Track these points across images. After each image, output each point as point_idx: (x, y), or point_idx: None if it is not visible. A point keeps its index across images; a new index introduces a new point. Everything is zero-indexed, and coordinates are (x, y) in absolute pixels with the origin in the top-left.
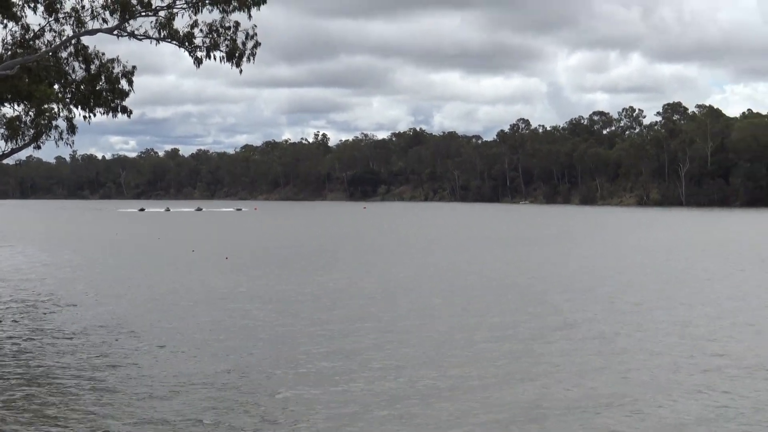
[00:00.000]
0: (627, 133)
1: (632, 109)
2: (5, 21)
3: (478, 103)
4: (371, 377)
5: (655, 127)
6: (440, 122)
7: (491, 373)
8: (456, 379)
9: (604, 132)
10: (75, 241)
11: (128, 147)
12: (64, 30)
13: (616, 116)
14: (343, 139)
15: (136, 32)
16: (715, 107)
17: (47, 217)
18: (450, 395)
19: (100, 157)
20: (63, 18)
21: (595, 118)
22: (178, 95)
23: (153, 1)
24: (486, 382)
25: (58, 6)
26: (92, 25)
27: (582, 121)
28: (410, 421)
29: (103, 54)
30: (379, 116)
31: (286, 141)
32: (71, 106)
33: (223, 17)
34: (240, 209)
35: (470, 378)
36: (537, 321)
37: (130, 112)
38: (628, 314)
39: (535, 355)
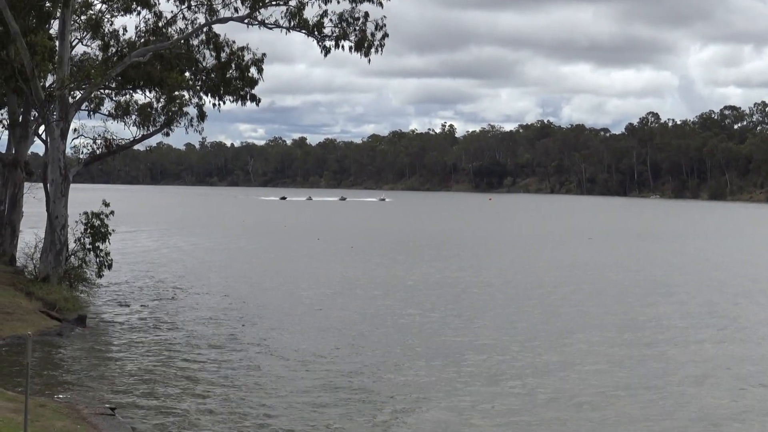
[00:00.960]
0: (759, 128)
1: (764, 104)
2: (139, 8)
3: (608, 96)
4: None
5: None
6: (569, 115)
7: None
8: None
9: (735, 127)
10: (235, 228)
11: (256, 135)
12: (196, 18)
13: (747, 111)
14: (470, 131)
15: (266, 21)
16: None
17: (188, 203)
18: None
19: (228, 144)
20: (195, 6)
21: (726, 112)
22: (307, 84)
23: None
24: None
25: None
26: (224, 13)
27: (713, 116)
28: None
29: (234, 42)
30: (507, 108)
31: (413, 131)
32: (201, 94)
33: (353, 7)
34: (383, 199)
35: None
36: None
37: (259, 100)
38: None
39: None
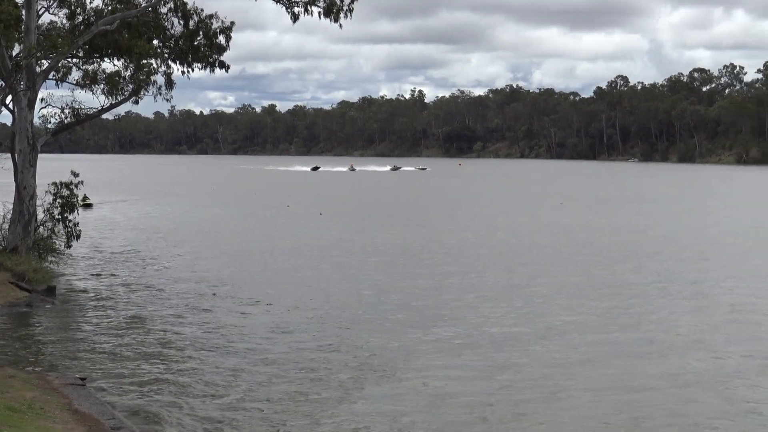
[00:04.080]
0: (727, 90)
1: (733, 66)
2: None
3: (578, 60)
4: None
5: (756, 85)
6: (539, 79)
7: None
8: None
9: (704, 89)
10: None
11: (226, 103)
12: None
13: (716, 74)
14: (440, 96)
15: None
16: None
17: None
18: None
19: (198, 112)
20: None
21: (695, 75)
22: (278, 51)
23: None
24: None
25: None
26: None
27: (681, 78)
28: None
29: (202, 10)
30: (477, 73)
31: (383, 97)
32: (170, 62)
33: None
34: (424, 168)
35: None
36: None
37: (228, 67)
38: None
39: None
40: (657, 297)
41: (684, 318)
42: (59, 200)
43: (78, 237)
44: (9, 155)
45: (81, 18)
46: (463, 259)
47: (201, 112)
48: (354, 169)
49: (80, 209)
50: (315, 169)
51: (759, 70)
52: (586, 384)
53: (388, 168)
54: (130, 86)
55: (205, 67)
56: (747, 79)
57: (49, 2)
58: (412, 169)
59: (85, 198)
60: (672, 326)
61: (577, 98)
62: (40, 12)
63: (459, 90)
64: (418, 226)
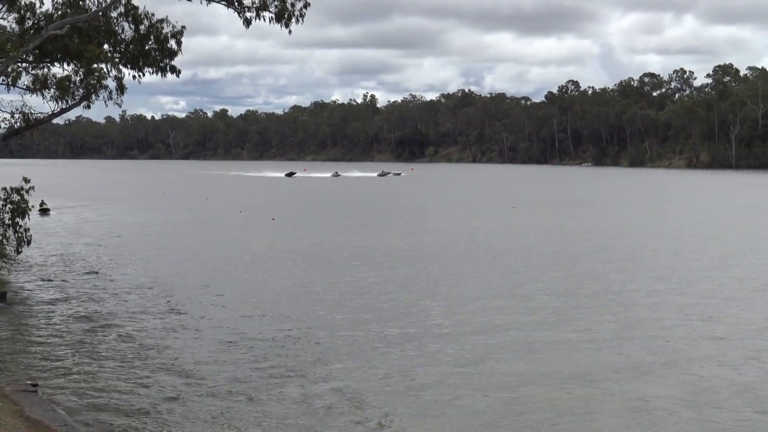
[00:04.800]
0: (677, 95)
1: (683, 71)
2: None
3: (530, 65)
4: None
5: (706, 89)
6: (491, 84)
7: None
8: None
9: (654, 94)
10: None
11: (178, 107)
12: None
13: (666, 78)
14: (392, 100)
15: None
16: None
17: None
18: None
19: (149, 117)
20: None
21: (646, 79)
22: (230, 56)
23: None
24: None
25: None
26: None
27: (632, 83)
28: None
29: (153, 14)
30: (430, 78)
31: (335, 102)
32: (120, 66)
33: None
34: (399, 173)
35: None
36: None
37: (179, 71)
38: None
39: None
40: (581, 297)
41: (597, 318)
42: (9, 206)
43: (29, 243)
44: None
45: (31, 22)
46: (407, 261)
47: (152, 116)
48: (338, 175)
49: (37, 215)
50: (290, 174)
51: (708, 75)
52: (483, 382)
53: (375, 174)
54: (81, 91)
55: (156, 72)
56: (696, 83)
57: None
58: (403, 173)
59: (42, 204)
60: (586, 326)
61: (529, 103)
62: None
63: (411, 94)
64: (370, 230)
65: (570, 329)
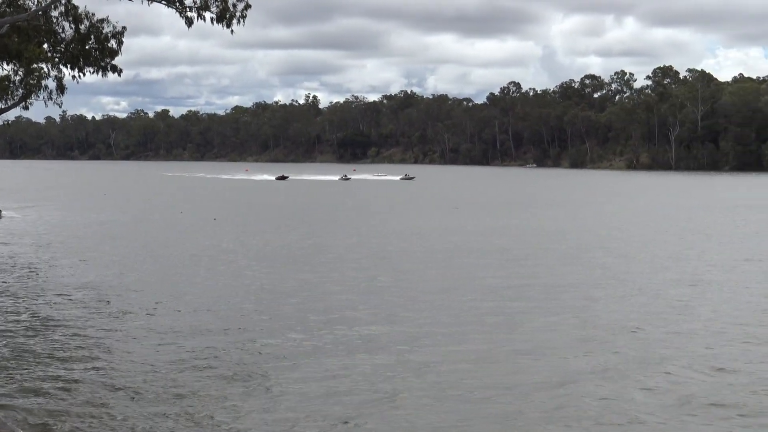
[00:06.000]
0: (618, 97)
1: (623, 73)
2: None
3: (473, 66)
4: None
5: (646, 91)
6: (433, 85)
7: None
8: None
9: (595, 96)
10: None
11: (119, 108)
12: None
13: (607, 80)
14: (334, 101)
15: None
16: (707, 72)
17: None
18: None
19: (90, 117)
20: None
21: (587, 81)
22: (172, 56)
23: None
24: None
25: None
26: None
27: (573, 85)
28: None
29: (93, 14)
30: (372, 79)
31: (277, 102)
32: (60, 66)
33: None
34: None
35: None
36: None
37: (120, 71)
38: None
39: None
40: (511, 298)
41: (523, 319)
42: None
43: None
44: None
45: None
46: (343, 263)
47: (93, 117)
48: (348, 178)
49: None
50: (282, 178)
51: (648, 77)
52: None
53: (398, 178)
54: (20, 91)
55: (96, 72)
56: (637, 85)
57: None
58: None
59: None
60: (509, 330)
61: (471, 104)
62: None
63: (353, 96)
64: (311, 231)
65: (504, 329)
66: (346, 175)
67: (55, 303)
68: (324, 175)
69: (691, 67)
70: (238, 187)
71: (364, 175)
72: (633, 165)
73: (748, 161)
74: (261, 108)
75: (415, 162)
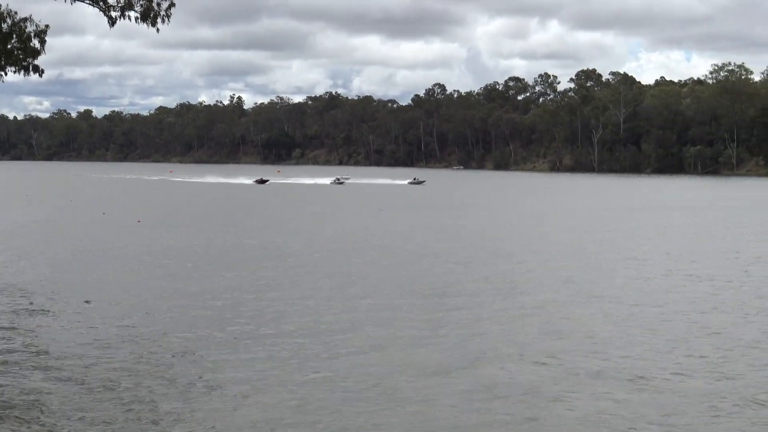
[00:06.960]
0: (541, 99)
1: (547, 76)
2: None
3: (398, 68)
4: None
5: (569, 93)
6: (359, 87)
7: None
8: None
9: (519, 98)
10: None
11: (42, 108)
12: None
13: (531, 82)
14: (259, 102)
15: None
16: (630, 75)
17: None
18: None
19: (11, 117)
20: None
21: (511, 83)
22: (96, 56)
23: None
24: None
25: None
26: None
27: (497, 87)
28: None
29: (16, 13)
30: (298, 80)
31: (201, 103)
32: None
33: None
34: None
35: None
36: None
37: (42, 71)
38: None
39: None
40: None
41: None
42: None
43: None
44: None
45: None
46: (266, 262)
47: (15, 117)
48: (341, 182)
49: None
50: (261, 182)
51: (572, 80)
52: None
53: (406, 182)
54: None
55: (18, 71)
56: (560, 88)
57: None
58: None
59: None
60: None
61: (396, 106)
62: None
63: (278, 97)
64: (230, 231)
65: (410, 324)
66: (338, 179)
67: None
68: (314, 178)
69: (614, 70)
70: (206, 192)
71: (362, 179)
72: (556, 167)
73: (670, 164)
74: (185, 109)
75: (340, 163)
